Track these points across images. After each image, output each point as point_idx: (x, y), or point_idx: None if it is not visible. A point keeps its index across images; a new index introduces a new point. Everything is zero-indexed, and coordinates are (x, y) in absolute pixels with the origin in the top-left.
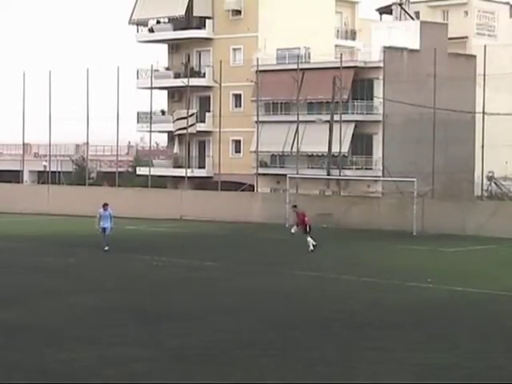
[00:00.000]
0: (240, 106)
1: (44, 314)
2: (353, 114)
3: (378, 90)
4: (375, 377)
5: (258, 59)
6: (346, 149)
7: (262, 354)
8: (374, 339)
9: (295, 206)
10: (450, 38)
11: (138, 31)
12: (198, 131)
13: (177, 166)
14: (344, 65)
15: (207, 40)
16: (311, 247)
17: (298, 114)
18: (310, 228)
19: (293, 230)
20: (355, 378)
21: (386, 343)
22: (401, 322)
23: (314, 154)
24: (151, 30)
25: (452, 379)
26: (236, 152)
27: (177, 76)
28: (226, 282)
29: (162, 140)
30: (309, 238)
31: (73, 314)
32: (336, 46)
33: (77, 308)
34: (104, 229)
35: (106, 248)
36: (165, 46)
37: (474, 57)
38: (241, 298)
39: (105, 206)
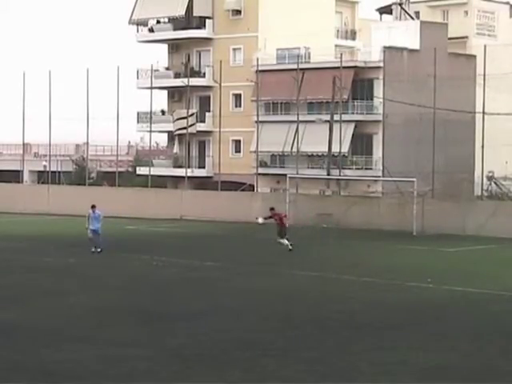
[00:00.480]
0: (240, 106)
1: (44, 314)
2: (353, 113)
3: (378, 90)
4: (375, 377)
5: (257, 59)
6: (345, 149)
7: (262, 354)
8: (374, 339)
9: (273, 209)
10: (450, 38)
11: (137, 31)
12: (197, 131)
13: (177, 165)
14: (344, 65)
15: (207, 40)
16: (285, 245)
17: (298, 114)
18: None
19: (260, 221)
20: (355, 379)
21: (386, 343)
22: (401, 322)
23: (314, 153)
24: (151, 30)
25: (452, 379)
26: (236, 152)
27: (177, 76)
28: (226, 281)
29: (162, 140)
30: (283, 240)
31: (73, 314)
32: (336, 45)
33: (77, 308)
34: (93, 231)
35: (97, 250)
36: (165, 46)
37: (474, 57)
38: (241, 298)
39: (93, 207)
